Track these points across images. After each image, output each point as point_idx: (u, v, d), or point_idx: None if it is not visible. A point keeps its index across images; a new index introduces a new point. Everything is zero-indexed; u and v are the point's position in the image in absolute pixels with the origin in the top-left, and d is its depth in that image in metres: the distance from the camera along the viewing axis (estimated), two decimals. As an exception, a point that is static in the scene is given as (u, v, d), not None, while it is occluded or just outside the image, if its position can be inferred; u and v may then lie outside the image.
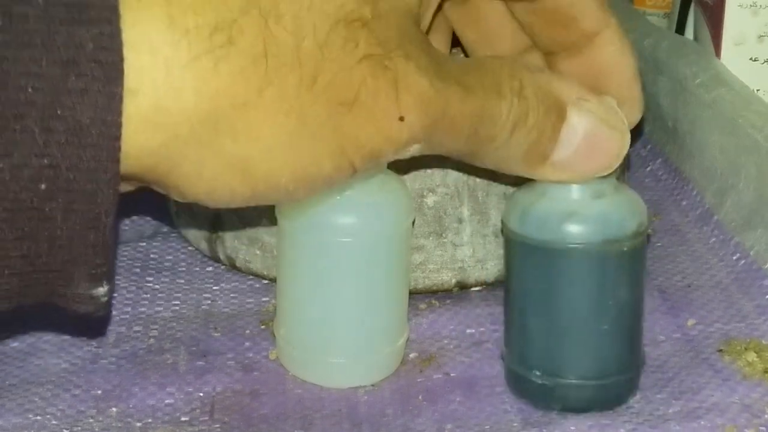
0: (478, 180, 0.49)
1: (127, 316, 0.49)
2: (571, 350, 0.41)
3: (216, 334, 0.47)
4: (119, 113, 0.32)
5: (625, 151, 0.40)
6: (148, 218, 0.57)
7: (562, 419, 0.41)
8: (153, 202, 0.53)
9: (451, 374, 0.44)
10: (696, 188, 0.56)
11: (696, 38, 0.63)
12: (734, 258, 0.51)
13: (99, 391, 0.43)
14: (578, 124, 0.39)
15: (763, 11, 0.58)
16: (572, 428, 0.41)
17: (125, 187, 0.35)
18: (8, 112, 0.31)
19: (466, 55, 0.47)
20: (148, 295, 0.50)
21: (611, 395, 0.42)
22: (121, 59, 0.32)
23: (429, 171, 0.48)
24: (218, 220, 0.52)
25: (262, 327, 0.48)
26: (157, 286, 0.51)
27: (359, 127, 0.35)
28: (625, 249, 0.40)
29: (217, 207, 0.36)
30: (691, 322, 0.47)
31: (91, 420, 0.42)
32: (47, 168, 0.32)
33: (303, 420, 0.42)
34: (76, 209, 0.32)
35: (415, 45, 0.36)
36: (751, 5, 0.58)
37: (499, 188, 0.49)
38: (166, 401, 0.43)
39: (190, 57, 0.32)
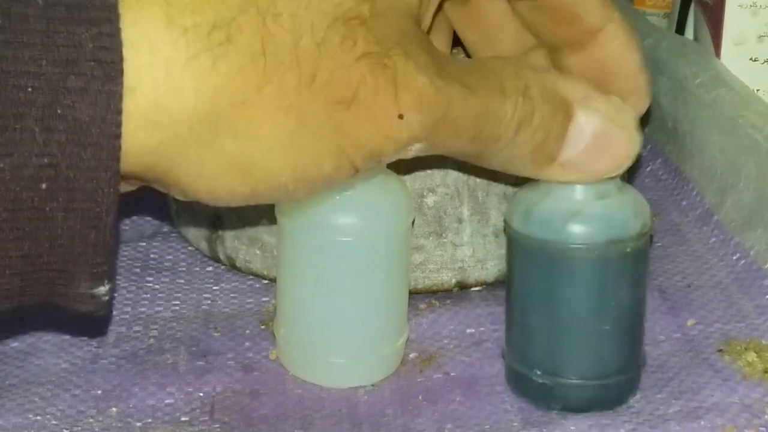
0: (478, 180, 0.49)
1: (127, 316, 0.49)
2: (571, 350, 0.41)
3: (216, 334, 0.47)
4: (119, 112, 0.32)
5: (635, 152, 0.40)
6: (148, 218, 0.57)
7: (562, 419, 0.41)
8: (153, 201, 0.53)
9: (451, 374, 0.44)
10: (696, 188, 0.56)
11: (696, 38, 0.63)
12: (734, 258, 0.51)
13: (99, 391, 0.43)
14: (586, 123, 0.39)
15: (763, 11, 0.58)
16: (572, 428, 0.41)
17: (126, 187, 0.35)
18: (8, 112, 0.31)
19: (468, 56, 0.47)
20: (148, 295, 0.50)
21: (611, 395, 0.42)
22: (121, 58, 0.32)
23: (429, 171, 0.48)
24: (218, 219, 0.52)
25: (262, 327, 0.48)
26: (157, 286, 0.51)
27: (358, 125, 0.35)
28: (628, 250, 0.40)
29: (218, 205, 0.36)
30: (691, 322, 0.47)
31: (91, 420, 0.42)
32: (47, 167, 0.32)
33: (303, 420, 0.42)
34: (76, 208, 0.32)
35: (414, 44, 0.36)
36: (751, 5, 0.58)
37: (499, 188, 0.49)
38: (166, 401, 0.43)
39: (189, 55, 0.32)
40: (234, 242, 0.51)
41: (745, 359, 0.44)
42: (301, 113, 0.34)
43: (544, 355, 0.41)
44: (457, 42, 0.47)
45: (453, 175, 0.48)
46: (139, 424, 0.42)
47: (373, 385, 0.44)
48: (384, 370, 0.44)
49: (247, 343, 0.47)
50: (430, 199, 0.49)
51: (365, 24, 0.35)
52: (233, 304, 0.50)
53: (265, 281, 0.51)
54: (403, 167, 0.46)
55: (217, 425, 0.42)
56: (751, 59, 0.59)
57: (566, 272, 0.40)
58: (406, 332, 0.45)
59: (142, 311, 0.49)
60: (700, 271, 0.51)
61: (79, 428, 0.41)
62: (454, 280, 0.50)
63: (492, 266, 0.49)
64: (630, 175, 0.57)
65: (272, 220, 0.45)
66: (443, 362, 0.45)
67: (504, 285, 0.43)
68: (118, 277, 0.51)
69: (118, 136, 0.32)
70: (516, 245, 0.41)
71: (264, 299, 0.50)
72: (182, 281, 0.52)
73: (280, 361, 0.45)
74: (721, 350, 0.45)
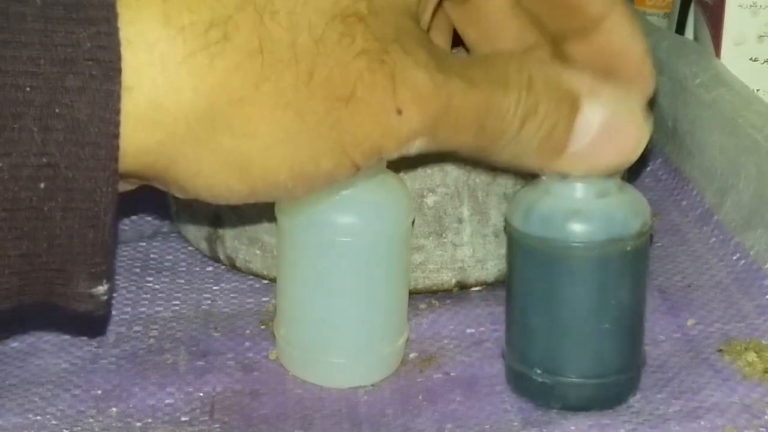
0: (478, 180, 0.49)
1: (127, 316, 0.49)
2: (571, 349, 0.41)
3: (216, 334, 0.47)
4: (117, 111, 0.32)
5: (645, 140, 0.39)
6: (148, 218, 0.57)
7: (562, 419, 0.41)
8: (153, 201, 0.53)
9: (451, 374, 0.44)
10: (696, 188, 0.56)
11: (696, 38, 0.63)
12: (734, 258, 0.51)
13: (99, 391, 0.43)
14: (593, 114, 0.38)
15: (763, 11, 0.58)
16: (572, 428, 0.41)
17: (125, 187, 0.35)
18: (6, 111, 0.31)
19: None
20: (148, 295, 0.50)
21: (611, 394, 0.42)
22: (119, 57, 0.32)
23: (429, 171, 0.48)
24: (218, 219, 0.52)
25: (262, 327, 0.48)
26: (157, 286, 0.51)
27: (357, 122, 0.35)
28: (629, 248, 0.40)
29: (218, 203, 0.36)
30: (691, 322, 0.47)
31: (91, 420, 0.42)
32: (46, 167, 0.32)
33: (303, 420, 0.42)
34: (75, 208, 0.32)
35: (413, 40, 0.36)
36: (751, 5, 0.58)
37: (499, 188, 0.49)
38: (166, 401, 0.43)
39: (186, 53, 0.32)
40: (234, 242, 0.51)
41: (745, 359, 0.44)
42: (299, 110, 0.34)
43: (544, 354, 0.41)
44: (458, 41, 0.47)
45: (453, 175, 0.48)
46: (139, 424, 0.42)
47: (373, 385, 0.44)
48: (384, 370, 0.44)
49: (247, 343, 0.47)
50: (430, 199, 0.49)
51: (363, 21, 0.34)
52: (233, 304, 0.50)
53: (265, 281, 0.51)
54: (403, 167, 0.46)
55: (217, 425, 0.42)
56: (751, 59, 0.59)
57: (566, 271, 0.40)
58: (406, 332, 0.45)
59: (142, 311, 0.49)
60: (700, 271, 0.51)
61: (79, 428, 0.41)
62: (454, 280, 0.50)
63: (492, 266, 0.49)
64: (632, 174, 0.57)
65: (272, 220, 0.45)
66: (443, 362, 0.45)
67: (504, 285, 0.43)
68: (117, 277, 0.51)
69: (117, 135, 0.32)
70: (516, 244, 0.41)
71: (264, 299, 0.50)
72: (182, 281, 0.52)
73: (280, 361, 0.45)
74: (721, 350, 0.45)
